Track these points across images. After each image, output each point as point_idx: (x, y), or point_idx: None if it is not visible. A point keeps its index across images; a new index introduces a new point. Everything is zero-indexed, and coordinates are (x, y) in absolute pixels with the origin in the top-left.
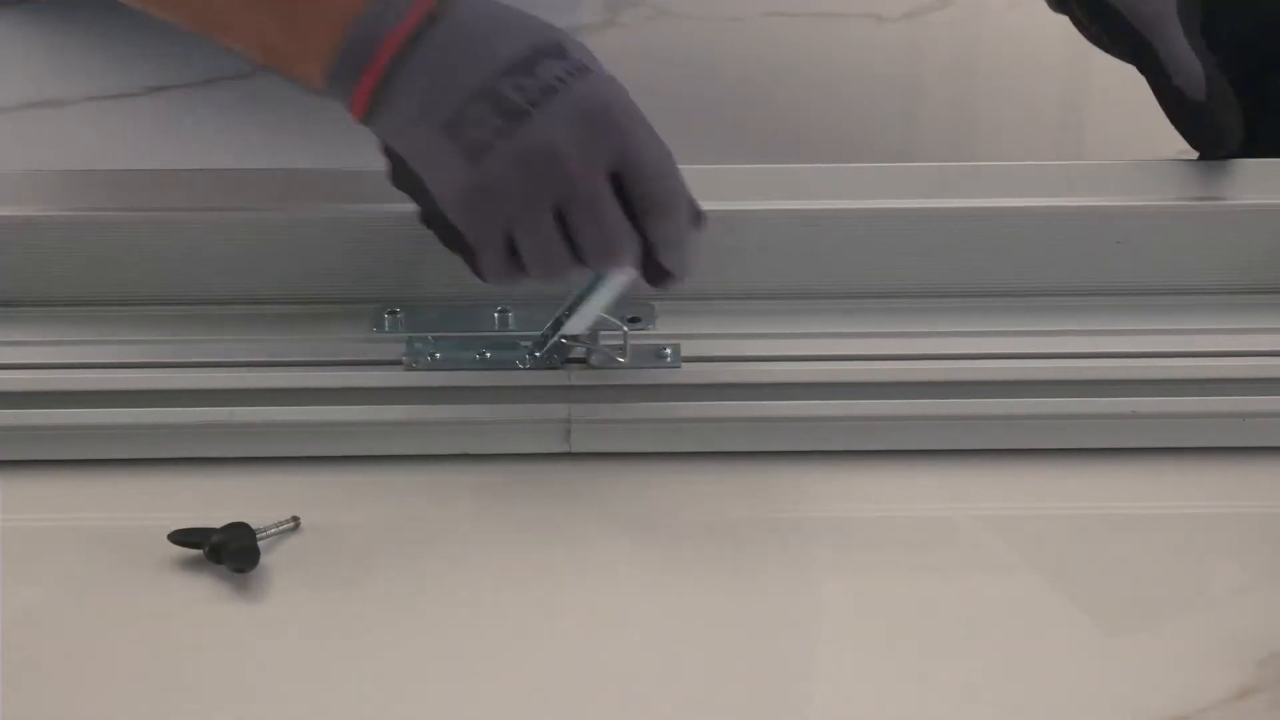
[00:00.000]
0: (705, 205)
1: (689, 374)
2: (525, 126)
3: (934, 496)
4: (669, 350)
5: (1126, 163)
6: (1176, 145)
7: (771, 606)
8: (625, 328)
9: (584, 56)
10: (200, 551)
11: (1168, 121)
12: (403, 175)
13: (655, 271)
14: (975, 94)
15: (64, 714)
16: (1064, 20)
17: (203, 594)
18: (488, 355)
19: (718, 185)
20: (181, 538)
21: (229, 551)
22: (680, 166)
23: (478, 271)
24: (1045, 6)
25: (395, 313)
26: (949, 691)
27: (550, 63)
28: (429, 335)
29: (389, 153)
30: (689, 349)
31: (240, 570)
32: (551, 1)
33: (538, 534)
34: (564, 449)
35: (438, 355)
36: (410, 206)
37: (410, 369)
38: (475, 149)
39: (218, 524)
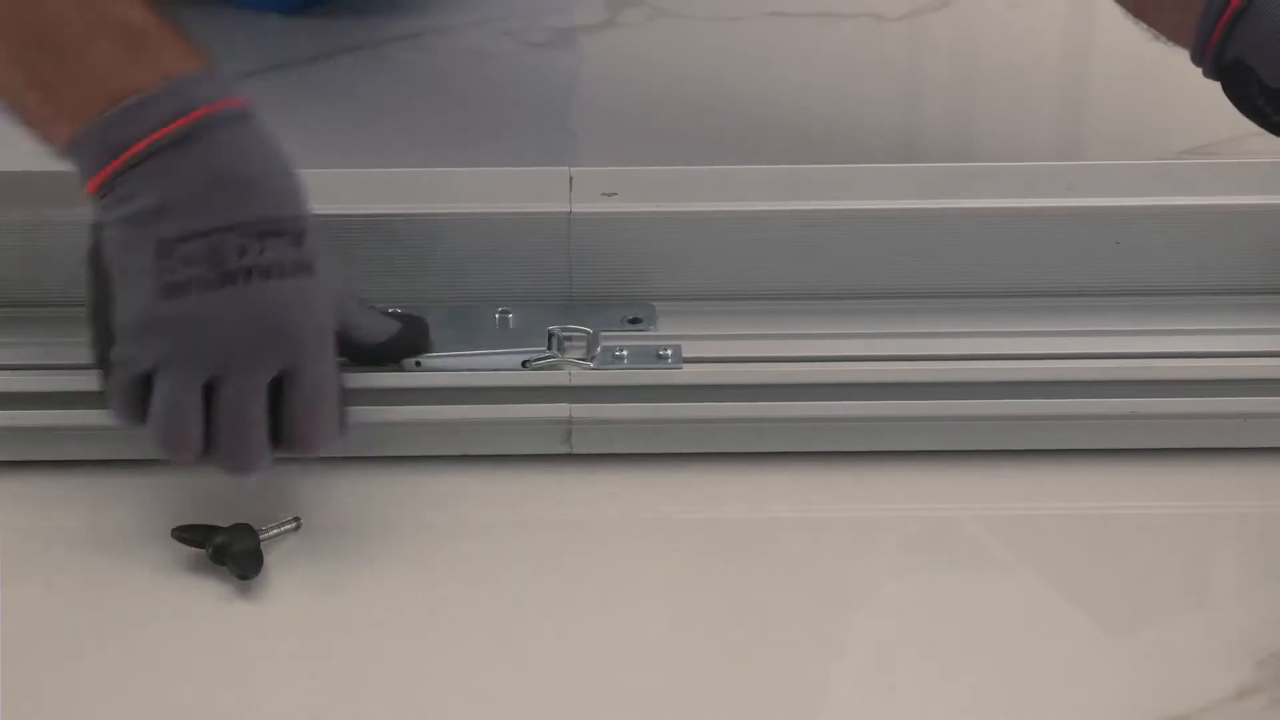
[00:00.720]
0: (705, 206)
1: (689, 374)
2: (225, 294)
3: (934, 496)
4: (669, 351)
5: (1126, 163)
6: (1176, 145)
7: (772, 607)
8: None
9: (313, 253)
10: (202, 551)
11: (1166, 123)
12: (94, 261)
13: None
14: (975, 94)
15: (64, 714)
16: (1063, 21)
17: (203, 594)
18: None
19: (718, 185)
20: (184, 535)
21: (233, 555)
22: (680, 168)
23: (107, 390)
24: (1044, 7)
25: (395, 313)
26: (949, 691)
27: (283, 243)
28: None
29: (96, 232)
30: (689, 349)
31: (243, 577)
32: (552, 2)
33: (538, 535)
34: (565, 450)
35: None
36: (409, 208)
37: (411, 370)
38: (172, 286)
39: (220, 525)
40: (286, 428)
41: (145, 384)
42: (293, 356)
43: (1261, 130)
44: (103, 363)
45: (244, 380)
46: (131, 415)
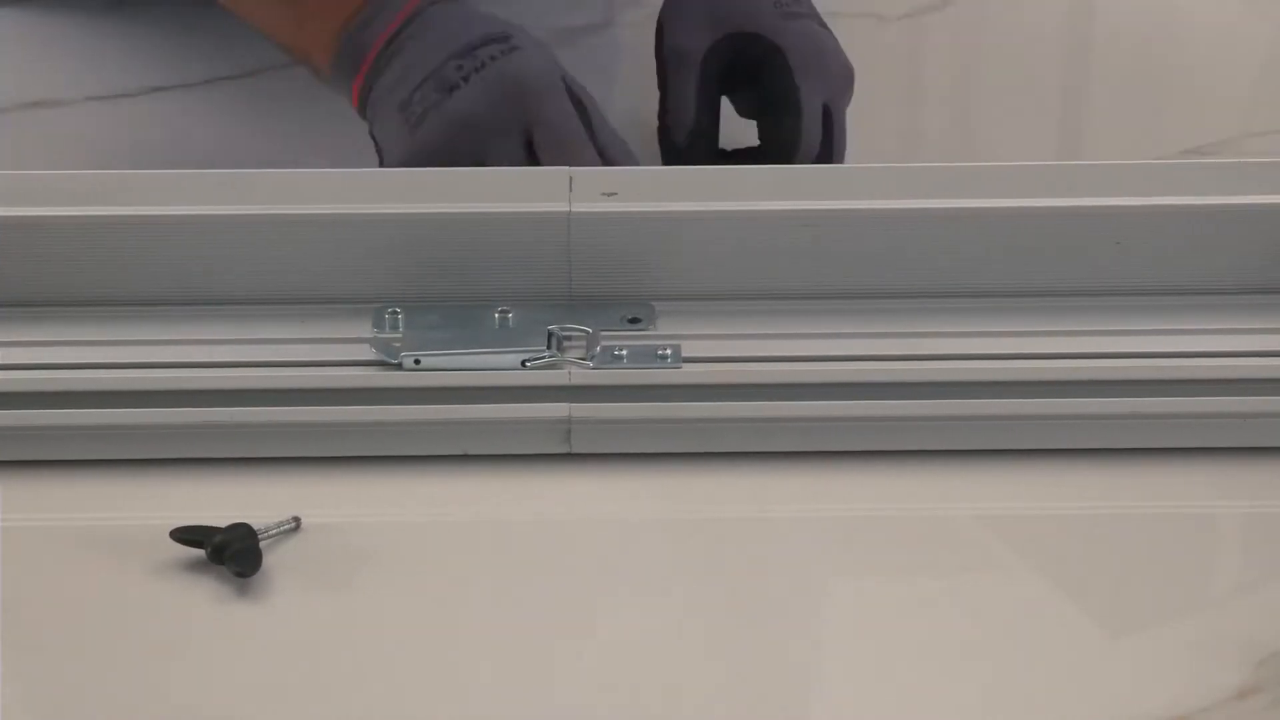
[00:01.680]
0: (705, 206)
1: (689, 374)
2: (452, 98)
3: (934, 496)
4: (669, 350)
5: (1126, 163)
6: (1176, 145)
7: (772, 607)
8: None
9: (524, 40)
10: (201, 551)
11: (1166, 123)
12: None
13: None
14: (975, 94)
15: (64, 714)
16: (1063, 21)
17: (203, 595)
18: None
19: (718, 185)
20: (183, 535)
21: (231, 554)
22: (680, 168)
23: None
24: (1044, 7)
25: (395, 313)
26: (949, 691)
27: (491, 46)
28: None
29: (376, 143)
30: (689, 349)
31: (242, 575)
32: (552, 1)
33: (538, 535)
34: (564, 450)
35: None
36: (409, 208)
37: (410, 369)
38: (414, 121)
39: (219, 525)
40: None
41: None
42: (530, 116)
43: (1262, 131)
44: None
45: (501, 154)
46: None
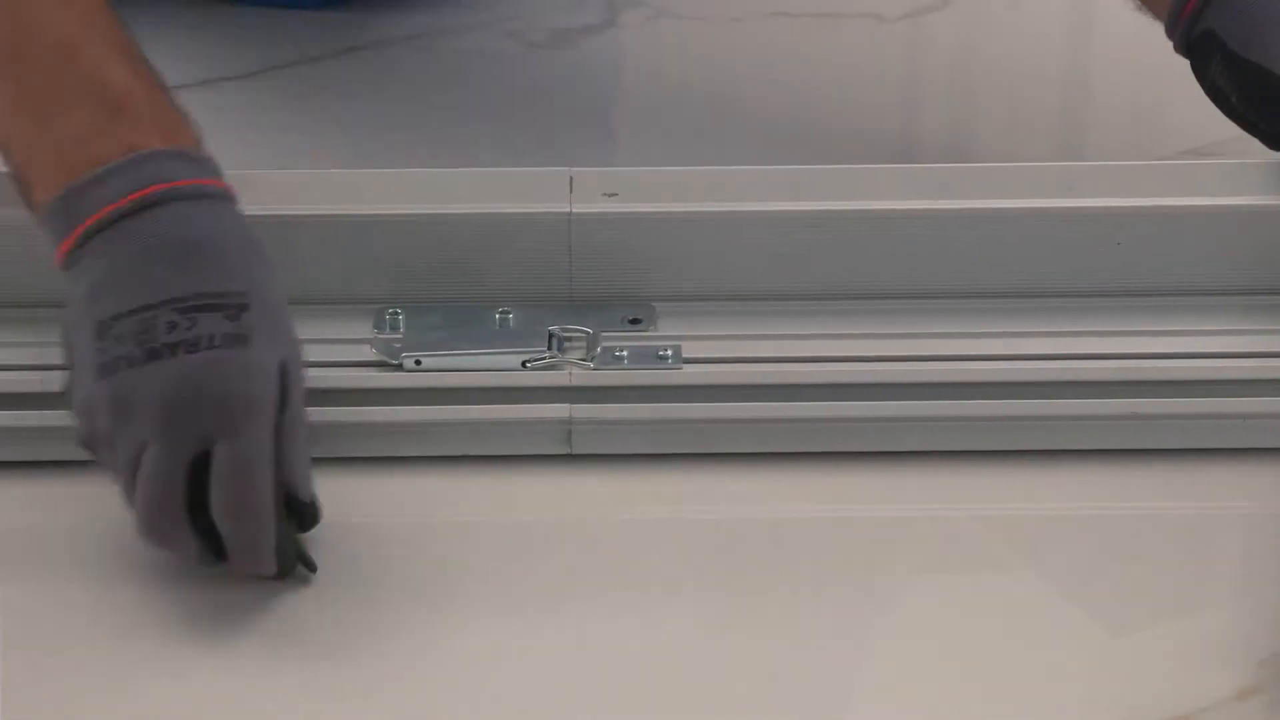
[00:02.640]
0: (706, 206)
1: (690, 375)
2: (149, 370)
3: (934, 496)
4: (670, 351)
5: (1126, 164)
6: (1176, 146)
7: (773, 608)
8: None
9: (251, 327)
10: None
11: (1166, 123)
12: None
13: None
14: (975, 94)
15: (64, 714)
16: (1063, 21)
17: (202, 595)
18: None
19: (718, 186)
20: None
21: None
22: (681, 168)
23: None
24: (1044, 7)
25: (395, 313)
26: (949, 691)
27: (215, 318)
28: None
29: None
30: (690, 350)
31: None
32: (552, 1)
33: (538, 536)
34: (565, 450)
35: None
36: (409, 208)
37: (411, 370)
38: (105, 365)
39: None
40: (212, 501)
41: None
42: (217, 429)
43: None
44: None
45: (164, 451)
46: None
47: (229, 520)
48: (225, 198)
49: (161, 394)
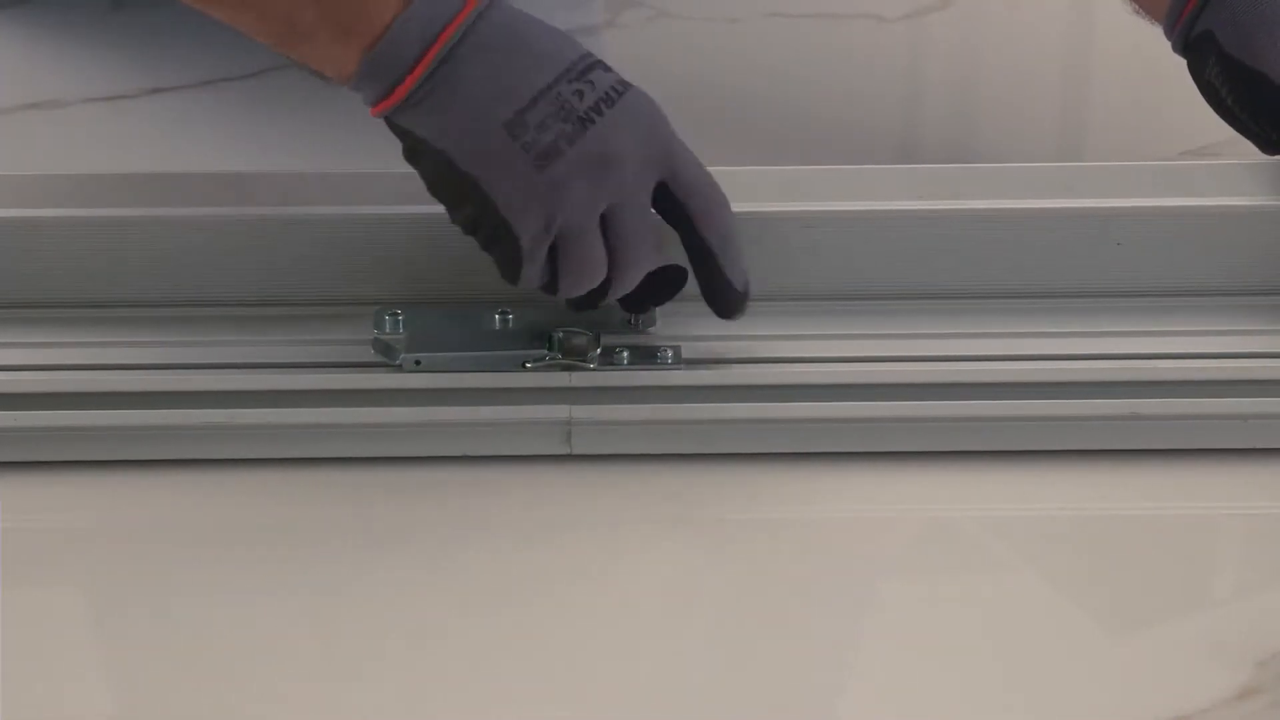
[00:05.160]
0: None
1: (689, 375)
2: (591, 133)
3: (934, 497)
4: (669, 352)
5: (1126, 164)
6: (1176, 146)
7: (772, 608)
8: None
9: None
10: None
11: (1166, 123)
12: (422, 153)
13: (720, 294)
14: (975, 95)
15: (64, 714)
16: (1063, 21)
17: (201, 595)
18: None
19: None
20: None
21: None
22: None
23: (511, 270)
24: (1044, 7)
25: (395, 314)
26: (949, 691)
27: (600, 72)
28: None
29: (404, 133)
30: (689, 350)
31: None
32: (552, 1)
33: (538, 536)
34: (565, 451)
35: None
36: (409, 209)
37: (410, 370)
38: (544, 153)
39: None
40: (697, 211)
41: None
42: (670, 157)
43: None
44: (496, 245)
45: (636, 199)
46: (541, 284)
47: (718, 221)
48: None
49: (620, 146)
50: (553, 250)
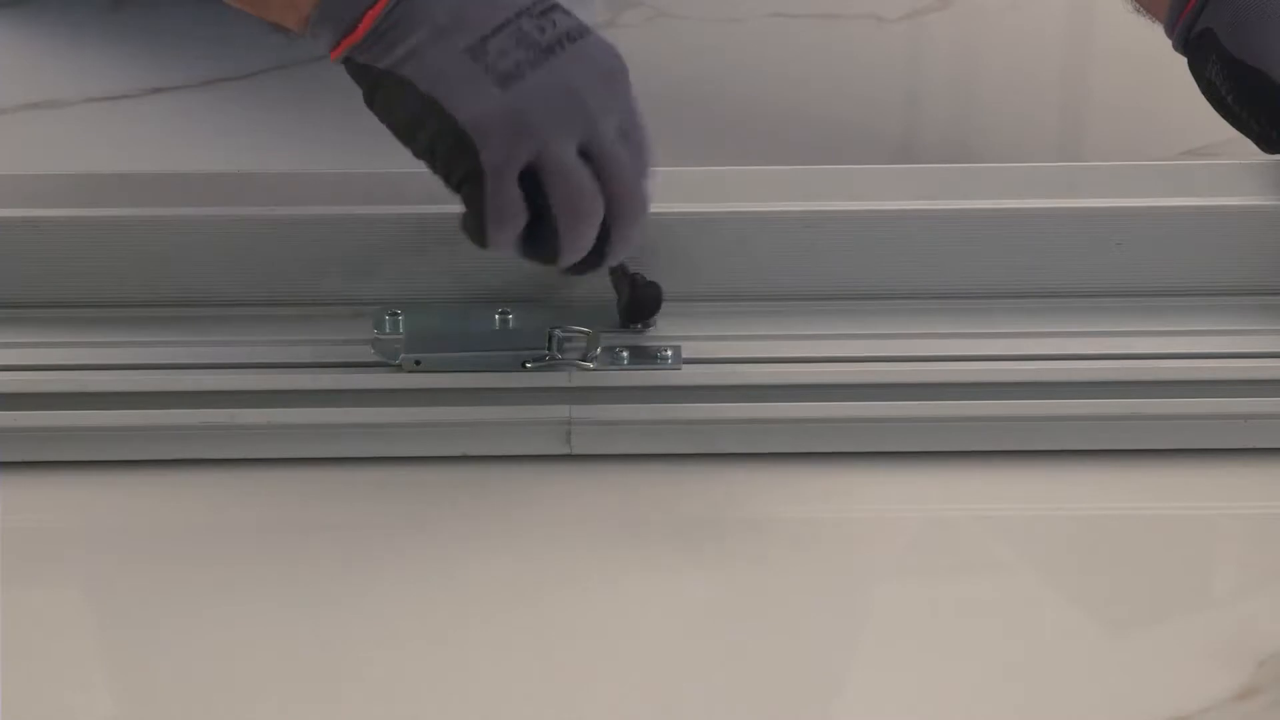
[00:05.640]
0: (706, 207)
1: (689, 375)
2: (553, 62)
3: (934, 497)
4: (669, 352)
5: (1127, 164)
6: (1176, 146)
7: (772, 608)
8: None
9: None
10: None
11: (1166, 123)
12: (381, 86)
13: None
14: (975, 95)
15: (63, 714)
16: (1063, 21)
17: (200, 595)
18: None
19: (718, 186)
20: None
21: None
22: (681, 168)
23: (480, 207)
24: (1044, 7)
25: (395, 314)
26: (949, 692)
27: (560, 14)
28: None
29: (363, 77)
30: (689, 350)
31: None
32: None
33: (538, 536)
34: (565, 451)
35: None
36: (409, 209)
37: (410, 370)
38: (505, 75)
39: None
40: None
41: (520, 182)
42: (625, 100)
43: None
44: (463, 182)
45: (605, 129)
46: (514, 219)
47: (635, 182)
48: None
49: (584, 76)
50: (542, 209)
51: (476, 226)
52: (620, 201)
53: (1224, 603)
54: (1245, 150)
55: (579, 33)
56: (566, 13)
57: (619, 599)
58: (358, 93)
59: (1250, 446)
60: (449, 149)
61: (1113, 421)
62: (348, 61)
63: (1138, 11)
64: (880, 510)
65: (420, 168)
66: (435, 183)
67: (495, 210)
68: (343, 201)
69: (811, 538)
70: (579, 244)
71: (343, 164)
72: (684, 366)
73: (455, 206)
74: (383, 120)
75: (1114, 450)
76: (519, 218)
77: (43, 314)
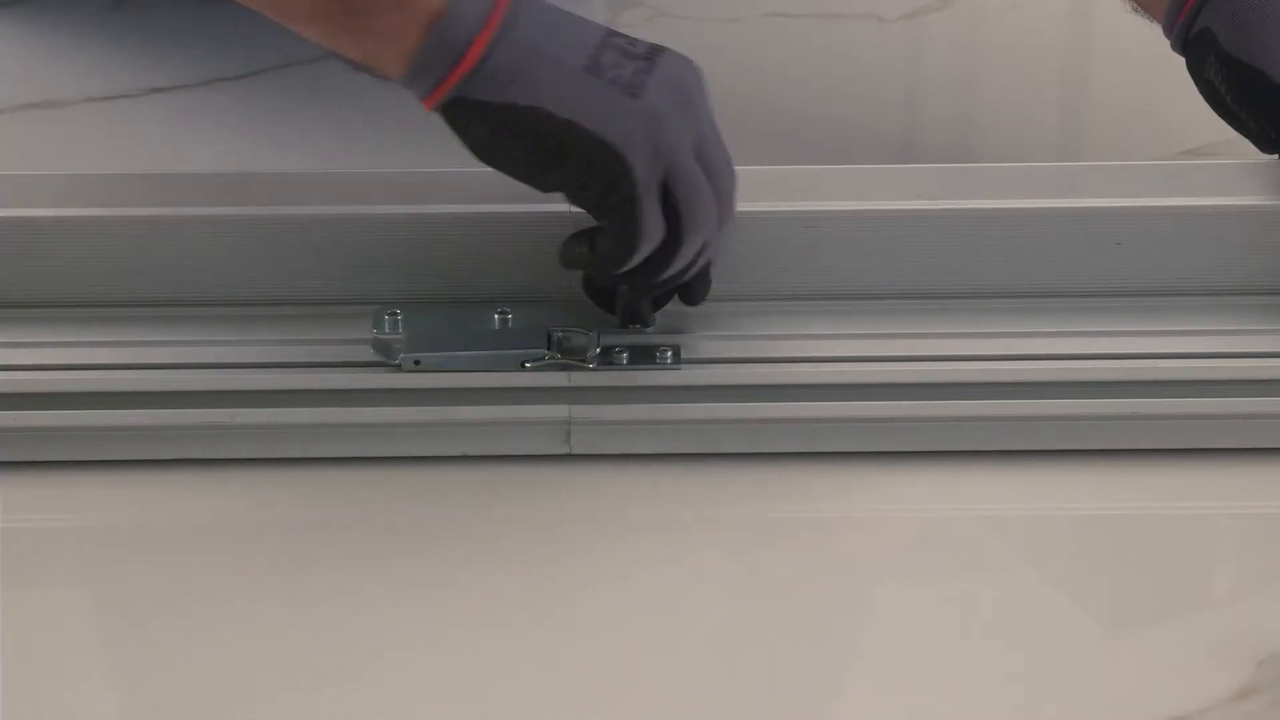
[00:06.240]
0: None
1: (689, 375)
2: (658, 70)
3: (934, 496)
4: (669, 351)
5: (1126, 164)
6: (1176, 146)
7: (772, 607)
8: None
9: None
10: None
11: (1166, 123)
12: (506, 123)
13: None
14: (975, 95)
15: (63, 714)
16: (1063, 21)
17: (200, 595)
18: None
19: None
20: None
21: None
22: None
23: (634, 228)
24: (1044, 7)
25: (395, 314)
26: (949, 692)
27: (626, 38)
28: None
29: (478, 118)
30: (689, 350)
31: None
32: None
33: (538, 536)
34: (564, 450)
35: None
36: (409, 209)
37: (410, 370)
38: (630, 86)
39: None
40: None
41: (662, 194)
42: (709, 106)
43: None
44: (613, 210)
45: (708, 134)
46: (658, 232)
47: (734, 187)
48: None
49: (686, 80)
50: (665, 202)
51: (624, 247)
52: (725, 207)
53: (1224, 603)
54: (1245, 150)
55: (655, 46)
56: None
57: (619, 598)
58: (357, 93)
59: (1250, 446)
60: (601, 172)
61: (1113, 421)
62: (456, 104)
63: (1135, 11)
64: (880, 510)
65: (416, 166)
66: (436, 182)
67: (648, 228)
68: (343, 201)
69: (811, 537)
70: (692, 254)
71: (343, 164)
72: (683, 366)
73: (458, 206)
74: (500, 164)
75: (1114, 450)
76: (659, 233)
77: (43, 314)
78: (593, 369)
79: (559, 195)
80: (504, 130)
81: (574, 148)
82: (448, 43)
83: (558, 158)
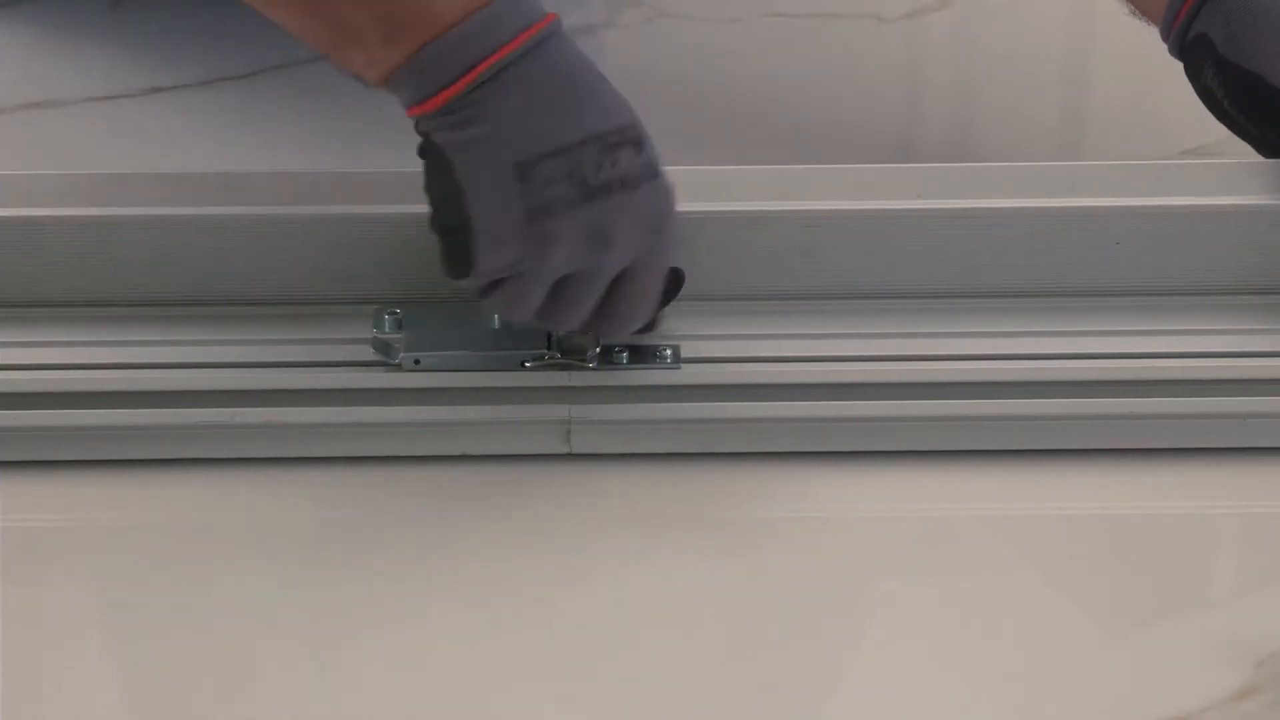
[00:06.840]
0: (706, 206)
1: (689, 375)
2: (592, 207)
3: (934, 496)
4: (669, 351)
5: (1126, 164)
6: (1176, 146)
7: (772, 607)
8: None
9: (655, 155)
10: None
11: (1166, 123)
12: (432, 153)
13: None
14: (975, 95)
15: (64, 713)
16: (1063, 22)
17: (200, 594)
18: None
19: (718, 186)
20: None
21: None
22: (680, 168)
23: (455, 272)
24: (1044, 8)
25: (395, 313)
26: (949, 691)
27: (629, 152)
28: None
29: (428, 153)
30: (689, 350)
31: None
32: (553, 3)
33: (538, 535)
34: (564, 450)
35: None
36: (409, 209)
37: (410, 370)
38: (536, 210)
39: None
40: (611, 313)
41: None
42: (648, 253)
43: None
44: (454, 265)
45: (595, 278)
46: (486, 292)
47: (616, 331)
48: (566, 31)
49: (609, 229)
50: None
51: (452, 272)
52: (605, 328)
53: (1224, 602)
54: (1244, 150)
55: (637, 179)
56: (638, 149)
57: (619, 598)
58: (357, 93)
59: (1250, 446)
60: (454, 242)
61: (1113, 421)
62: (422, 122)
63: (1134, 14)
64: (880, 510)
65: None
66: None
67: (474, 290)
68: (343, 201)
69: (811, 537)
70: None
71: (343, 164)
72: (683, 366)
73: None
74: (424, 179)
75: (1114, 450)
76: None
77: (43, 314)
78: (593, 368)
79: None
80: (428, 153)
81: (452, 207)
82: (421, 79)
83: (440, 202)
